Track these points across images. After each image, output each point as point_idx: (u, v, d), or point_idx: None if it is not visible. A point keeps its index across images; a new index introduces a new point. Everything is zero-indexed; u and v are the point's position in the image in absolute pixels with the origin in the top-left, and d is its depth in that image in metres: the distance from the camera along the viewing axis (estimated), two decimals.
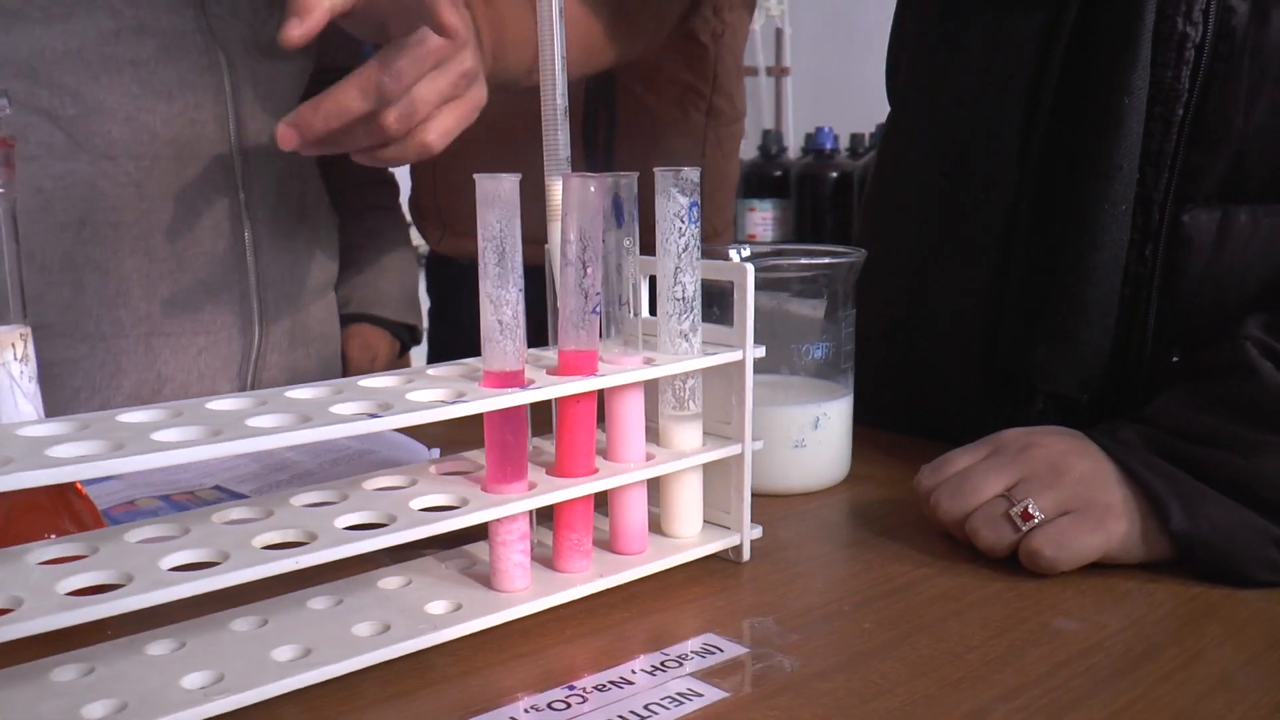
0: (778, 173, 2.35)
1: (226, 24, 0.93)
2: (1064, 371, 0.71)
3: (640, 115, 1.27)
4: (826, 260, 0.75)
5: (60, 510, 0.56)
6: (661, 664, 0.50)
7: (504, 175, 0.51)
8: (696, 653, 0.51)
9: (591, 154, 1.27)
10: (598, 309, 0.55)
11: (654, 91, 1.27)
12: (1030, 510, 0.60)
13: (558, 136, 0.61)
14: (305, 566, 0.45)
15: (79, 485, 0.58)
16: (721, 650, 0.51)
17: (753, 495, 0.62)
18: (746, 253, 0.79)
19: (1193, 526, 0.59)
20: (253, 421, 0.46)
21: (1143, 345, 0.71)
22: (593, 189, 0.54)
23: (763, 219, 2.39)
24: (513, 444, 0.54)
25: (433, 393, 0.52)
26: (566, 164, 0.62)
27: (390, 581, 0.56)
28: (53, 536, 0.54)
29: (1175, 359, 0.70)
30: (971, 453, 0.66)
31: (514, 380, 0.53)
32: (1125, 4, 0.68)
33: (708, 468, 0.63)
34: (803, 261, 0.75)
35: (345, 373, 1.13)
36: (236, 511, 0.51)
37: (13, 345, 0.54)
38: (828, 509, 0.73)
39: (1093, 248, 0.69)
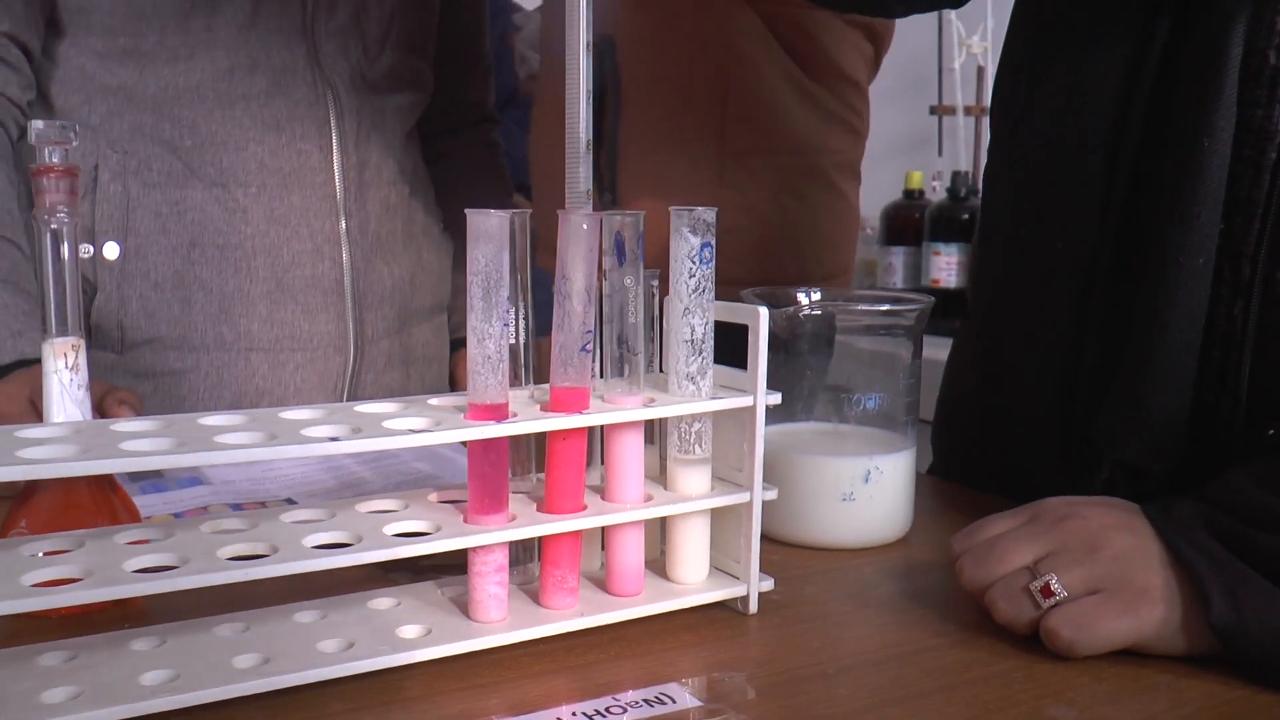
0: (965, 216, 2.28)
1: (335, 60, 1.00)
2: (1133, 439, 0.68)
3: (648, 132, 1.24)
4: (885, 307, 0.74)
5: (101, 508, 0.62)
6: (606, 709, 0.51)
7: (493, 211, 0.54)
8: (647, 701, 0.52)
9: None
10: (587, 347, 0.57)
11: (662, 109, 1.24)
12: (1052, 586, 0.57)
13: (579, 170, 0.63)
14: (254, 579, 0.49)
15: (118, 485, 0.64)
16: (672, 702, 0.52)
17: (797, 547, 0.62)
18: (816, 296, 0.79)
19: (1237, 619, 0.55)
20: (225, 438, 0.51)
21: (1234, 414, 0.67)
22: (586, 226, 0.56)
23: (947, 263, 2.32)
24: (491, 475, 0.56)
25: (414, 420, 0.55)
26: (586, 198, 0.64)
27: (381, 603, 0.59)
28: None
29: (1272, 431, 0.66)
30: (1008, 519, 0.64)
31: (496, 413, 0.55)
32: (1210, 36, 0.64)
33: (722, 514, 0.63)
34: (860, 308, 0.74)
35: None
36: (229, 522, 0.55)
37: (65, 355, 0.60)
38: (870, 566, 0.71)
39: (1166, 304, 0.65)
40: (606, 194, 1.26)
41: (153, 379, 0.95)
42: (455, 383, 1.19)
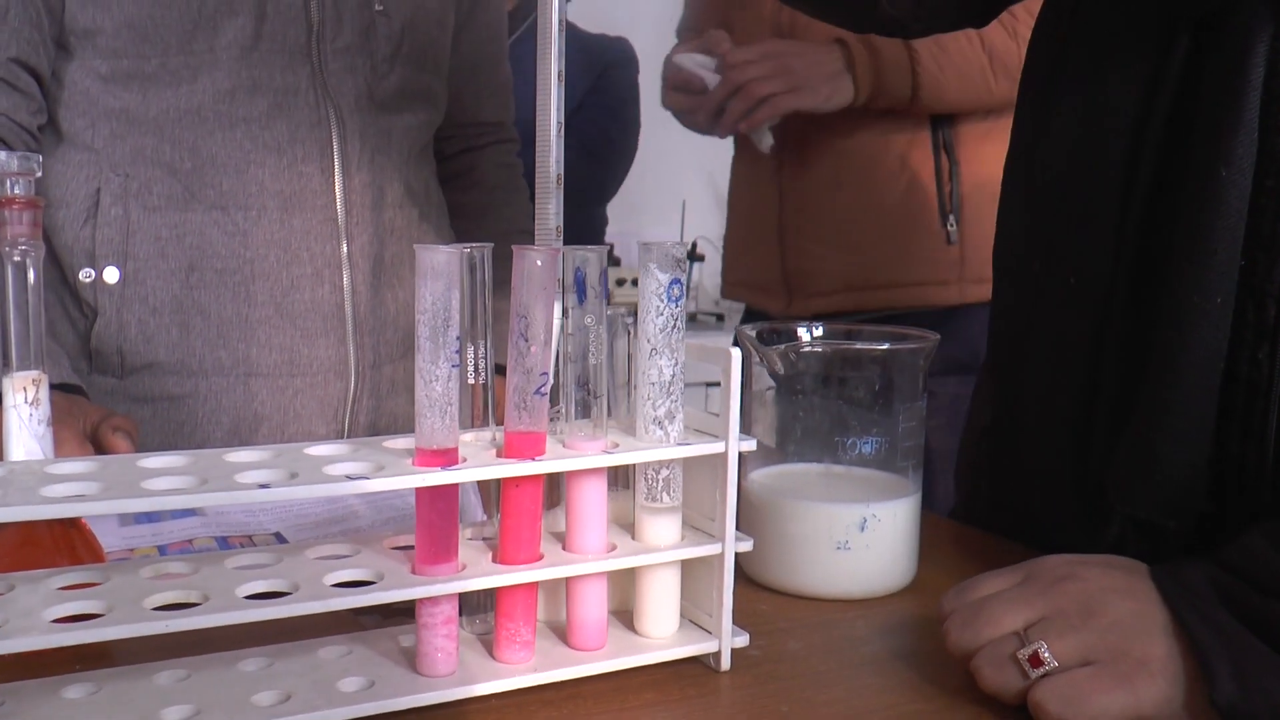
0: None
1: (340, 80, 0.99)
2: (1145, 493, 0.63)
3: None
4: (885, 345, 0.70)
5: (60, 545, 0.61)
6: None
7: (441, 247, 0.52)
8: None
9: None
10: (543, 389, 0.54)
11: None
12: (1042, 655, 0.54)
13: (549, 205, 0.61)
14: (175, 630, 0.47)
15: (83, 522, 0.63)
16: None
17: (789, 596, 0.59)
18: (819, 331, 0.76)
19: (1244, 700, 0.50)
20: (154, 483, 0.49)
21: (1260, 468, 0.62)
22: (539, 263, 0.53)
23: None
24: (439, 524, 0.54)
25: (357, 465, 0.53)
26: (556, 234, 0.61)
27: (330, 651, 0.57)
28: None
29: None
30: (1003, 577, 0.60)
31: (444, 458, 0.53)
32: (1230, 58, 0.60)
33: (695, 564, 0.60)
34: (857, 346, 0.71)
35: None
36: (173, 566, 0.54)
37: (25, 389, 0.59)
38: (862, 621, 0.68)
39: (1181, 347, 0.61)
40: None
41: (152, 404, 0.95)
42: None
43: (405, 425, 1.03)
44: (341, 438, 1.00)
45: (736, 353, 0.58)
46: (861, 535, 0.69)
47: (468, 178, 1.18)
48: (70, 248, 0.95)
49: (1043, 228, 0.73)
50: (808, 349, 0.72)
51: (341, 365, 0.99)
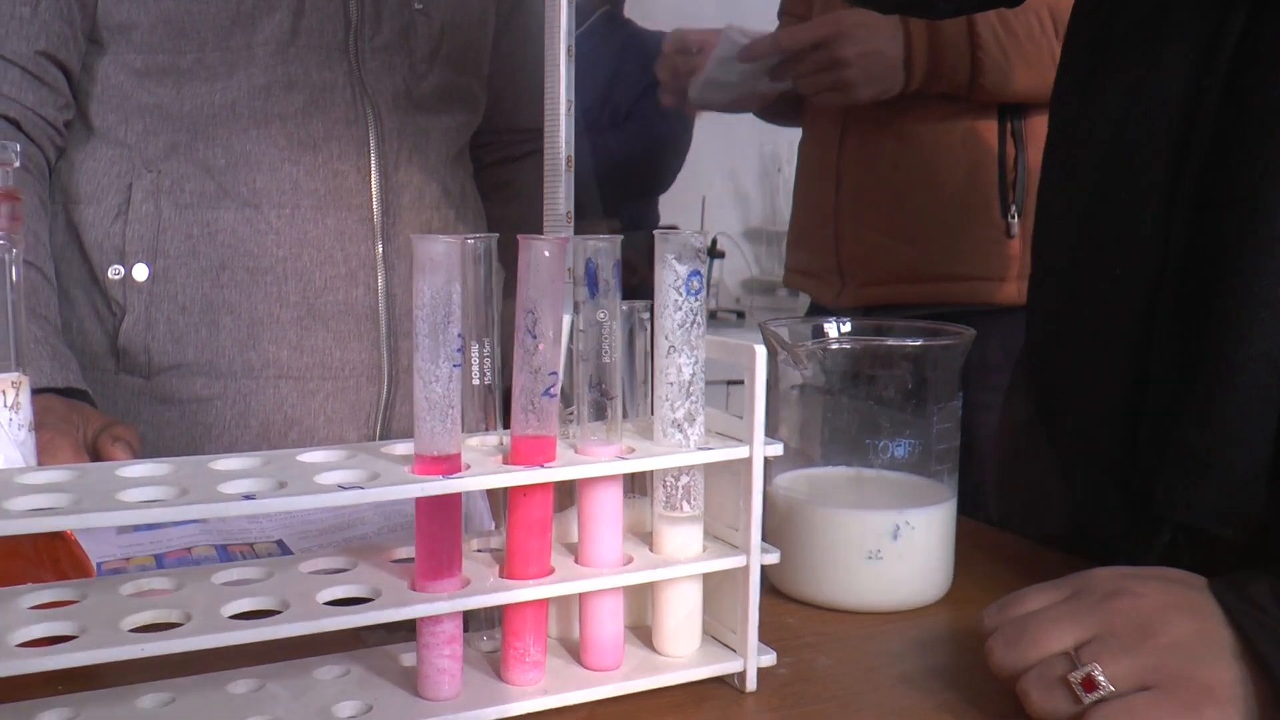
0: None
1: (378, 78, 0.94)
2: (1197, 500, 0.56)
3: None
4: (919, 341, 0.63)
5: (43, 558, 0.55)
6: None
7: (441, 237, 0.46)
8: None
9: None
10: (552, 390, 0.48)
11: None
12: (1096, 678, 0.47)
13: (559, 190, 0.55)
14: (152, 655, 0.42)
15: (69, 532, 0.57)
16: None
17: (817, 608, 0.53)
18: (847, 327, 0.69)
19: None
20: (130, 494, 0.43)
21: None
22: (547, 254, 0.47)
23: None
24: (441, 536, 0.47)
25: (351, 474, 0.47)
26: (566, 220, 0.55)
27: (327, 671, 0.51)
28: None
29: None
30: (1048, 592, 0.53)
31: (445, 465, 0.47)
32: None
33: (717, 578, 0.54)
34: (889, 343, 0.64)
35: None
36: (156, 582, 0.48)
37: (3, 392, 0.54)
38: (896, 635, 0.61)
39: (1239, 342, 0.54)
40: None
41: (179, 405, 0.89)
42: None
43: None
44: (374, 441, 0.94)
45: (761, 350, 0.51)
46: (894, 544, 0.62)
47: (507, 190, 1.11)
48: (99, 244, 0.90)
49: (1085, 216, 0.65)
50: (837, 346, 0.65)
51: (374, 369, 0.93)
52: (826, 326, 0.68)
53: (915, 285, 1.29)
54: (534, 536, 0.49)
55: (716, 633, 0.55)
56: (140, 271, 0.90)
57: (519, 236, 0.48)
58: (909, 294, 1.28)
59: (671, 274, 0.50)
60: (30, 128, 0.88)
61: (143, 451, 0.80)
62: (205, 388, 0.90)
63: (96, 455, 0.74)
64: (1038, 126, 1.24)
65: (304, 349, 0.92)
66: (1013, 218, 1.25)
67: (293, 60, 0.90)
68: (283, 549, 0.72)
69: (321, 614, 0.45)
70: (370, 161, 0.93)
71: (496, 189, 1.10)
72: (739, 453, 0.51)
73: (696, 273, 0.51)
